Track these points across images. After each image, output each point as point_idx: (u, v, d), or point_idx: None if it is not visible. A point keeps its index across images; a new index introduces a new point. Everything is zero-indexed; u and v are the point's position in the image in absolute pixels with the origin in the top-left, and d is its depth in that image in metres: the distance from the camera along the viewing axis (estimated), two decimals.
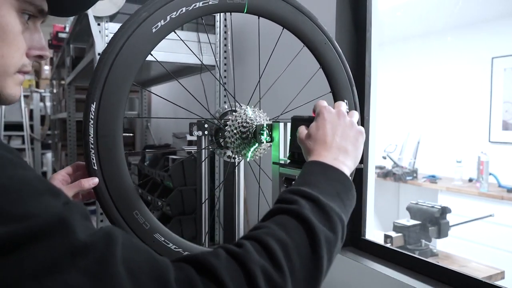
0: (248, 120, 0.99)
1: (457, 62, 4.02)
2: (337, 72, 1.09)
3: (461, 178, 3.87)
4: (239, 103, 1.07)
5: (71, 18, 2.42)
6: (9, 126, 6.36)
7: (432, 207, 2.01)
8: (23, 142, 6.35)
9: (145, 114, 3.05)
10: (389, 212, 4.51)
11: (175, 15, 0.93)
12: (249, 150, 1.01)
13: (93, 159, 0.84)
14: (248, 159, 1.04)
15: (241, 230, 1.24)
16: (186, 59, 1.77)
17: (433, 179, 4.06)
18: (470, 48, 3.94)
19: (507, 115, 3.80)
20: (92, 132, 0.84)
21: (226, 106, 1.16)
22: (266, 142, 0.97)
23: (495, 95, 3.85)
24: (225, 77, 1.82)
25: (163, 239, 0.87)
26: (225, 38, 1.80)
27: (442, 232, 2.01)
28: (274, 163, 0.91)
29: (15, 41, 0.61)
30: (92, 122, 0.84)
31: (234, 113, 1.03)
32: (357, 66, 1.39)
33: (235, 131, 1.00)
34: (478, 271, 1.77)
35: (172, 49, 1.73)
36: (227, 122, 1.02)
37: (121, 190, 0.87)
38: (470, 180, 3.85)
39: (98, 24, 1.55)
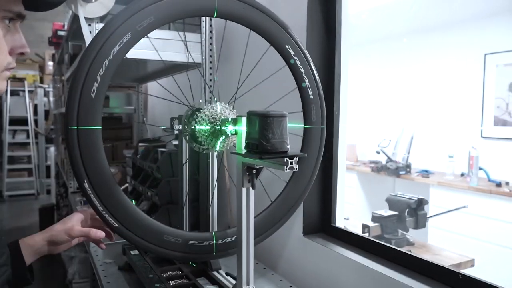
0: (214, 115, 1.10)
1: (450, 58, 4.08)
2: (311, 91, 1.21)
3: (453, 173, 3.95)
4: (216, 99, 1.17)
5: (68, 17, 2.53)
6: (14, 121, 6.51)
7: (409, 198, 2.10)
8: (28, 137, 6.50)
9: (141, 109, 3.16)
10: (384, 205, 4.61)
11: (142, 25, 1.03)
12: (217, 141, 1.12)
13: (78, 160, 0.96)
14: (217, 150, 1.14)
15: (215, 218, 1.35)
16: (174, 57, 1.87)
17: (425, 173, 4.14)
18: (463, 45, 4.00)
19: (498, 111, 3.87)
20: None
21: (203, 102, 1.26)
22: (231, 134, 1.07)
23: (487, 91, 3.91)
24: (210, 74, 1.92)
25: None
26: (211, 37, 1.90)
27: (419, 223, 2.10)
28: (232, 152, 1.01)
29: (0, 45, 0.72)
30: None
31: (203, 108, 1.13)
32: (327, 65, 1.48)
33: (204, 124, 1.11)
34: (449, 259, 1.87)
35: (162, 48, 1.83)
36: (198, 115, 1.13)
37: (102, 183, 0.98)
38: (462, 175, 3.93)
39: (89, 25, 1.66)
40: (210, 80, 1.91)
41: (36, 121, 6.57)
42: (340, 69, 1.47)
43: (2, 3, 0.71)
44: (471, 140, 3.94)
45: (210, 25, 1.89)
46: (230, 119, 1.06)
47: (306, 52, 1.22)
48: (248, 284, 1.08)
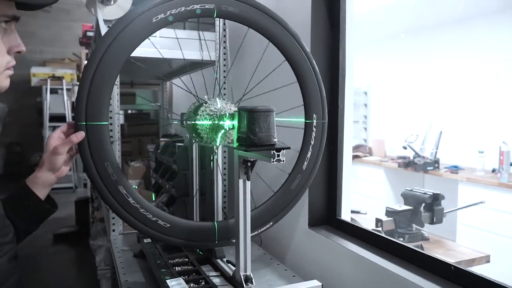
0: (213, 109, 1.16)
1: (481, 51, 3.95)
2: (310, 86, 1.24)
3: (483, 169, 3.83)
4: (222, 96, 1.23)
5: (94, 19, 2.67)
6: (53, 118, 6.86)
7: (425, 193, 2.09)
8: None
9: (166, 105, 3.28)
10: None
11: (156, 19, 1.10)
12: (217, 136, 1.17)
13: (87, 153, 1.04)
14: (218, 144, 1.20)
15: (219, 210, 1.41)
16: (190, 56, 1.95)
17: (454, 169, 4.04)
18: (495, 38, 3.87)
19: None
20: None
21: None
22: (229, 129, 1.12)
23: None
24: (224, 71, 1.98)
25: (125, 192, 1.06)
26: (224, 36, 1.96)
27: (436, 218, 2.09)
28: (225, 145, 1.07)
29: None
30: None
31: (205, 104, 1.19)
32: (332, 60, 1.51)
33: (205, 118, 1.17)
34: (462, 254, 1.85)
35: (177, 47, 1.91)
36: (200, 110, 1.19)
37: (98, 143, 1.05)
38: (494, 171, 3.81)
39: (108, 26, 1.76)
40: (224, 77, 1.98)
41: (73, 118, 6.88)
42: (344, 65, 1.50)
43: None
44: (502, 135, 3.81)
45: (224, 23, 1.95)
46: (227, 114, 1.12)
47: (305, 46, 1.26)
48: (245, 271, 1.14)
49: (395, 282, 1.15)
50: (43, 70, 6.93)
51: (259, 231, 1.27)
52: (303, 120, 1.31)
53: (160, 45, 1.89)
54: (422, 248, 1.82)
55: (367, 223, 2.19)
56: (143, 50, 1.75)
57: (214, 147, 1.34)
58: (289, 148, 0.94)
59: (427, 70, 4.52)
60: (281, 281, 1.35)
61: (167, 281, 1.16)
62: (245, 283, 1.12)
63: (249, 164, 1.07)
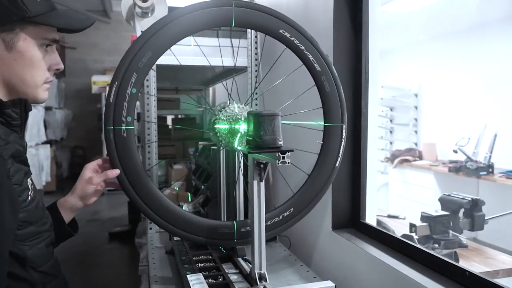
0: (228, 113, 1.22)
1: None
2: (329, 91, 1.27)
3: None
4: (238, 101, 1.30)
5: None
6: None
7: (463, 198, 2.02)
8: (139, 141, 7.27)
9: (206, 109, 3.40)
10: None
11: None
12: (235, 139, 1.23)
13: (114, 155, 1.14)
14: (236, 147, 1.26)
15: (241, 210, 1.46)
16: (224, 62, 2.03)
17: (511, 174, 3.81)
18: None
19: None
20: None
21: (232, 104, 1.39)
22: (244, 132, 1.18)
23: None
24: (256, 76, 2.04)
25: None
26: (256, 42, 2.03)
27: (476, 224, 2.01)
28: (235, 148, 1.13)
29: (39, 65, 0.93)
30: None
31: (224, 109, 1.26)
32: (355, 64, 1.52)
33: (223, 123, 1.24)
34: (501, 263, 1.77)
35: (211, 54, 2.01)
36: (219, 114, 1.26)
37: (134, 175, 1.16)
38: None
39: None
40: (256, 82, 2.04)
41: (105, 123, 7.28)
42: (368, 69, 1.50)
43: (40, 34, 0.91)
44: None
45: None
46: (242, 118, 1.17)
47: (322, 51, 1.28)
48: (260, 269, 1.18)
49: None
50: (103, 78, 7.39)
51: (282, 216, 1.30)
52: (323, 123, 1.33)
53: (193, 53, 1.99)
54: (456, 255, 1.75)
55: (402, 228, 2.14)
56: (180, 58, 1.85)
57: (238, 150, 1.39)
58: (292, 150, 0.97)
59: (481, 70, 4.30)
60: (301, 281, 1.38)
61: (188, 276, 1.23)
62: (259, 281, 1.17)
63: (262, 166, 1.12)
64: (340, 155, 1.31)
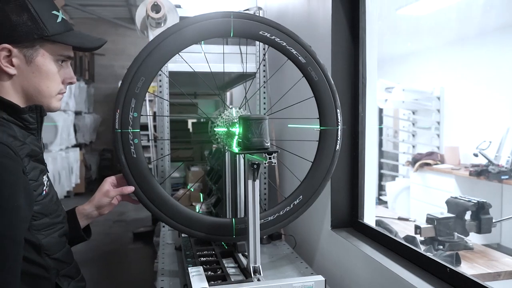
0: (224, 117, 1.30)
1: None
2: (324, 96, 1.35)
3: None
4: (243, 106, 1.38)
5: None
6: (143, 127, 7.53)
7: (469, 201, 2.02)
8: (148, 140, 7.46)
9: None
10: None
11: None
12: (232, 141, 1.32)
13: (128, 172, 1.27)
14: (228, 148, 1.34)
15: (241, 208, 1.54)
16: (232, 69, 2.13)
17: None
18: None
19: None
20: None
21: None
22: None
23: None
24: (264, 82, 2.13)
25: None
26: (264, 49, 2.11)
27: (483, 227, 2.01)
28: (227, 150, 1.21)
29: (54, 78, 1.05)
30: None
31: (223, 113, 1.35)
32: (352, 69, 1.58)
33: (222, 126, 1.32)
34: (504, 265, 1.78)
35: (221, 61, 2.11)
36: (217, 119, 1.35)
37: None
38: None
39: None
40: (264, 87, 2.12)
41: (155, 127, 7.51)
42: (365, 73, 1.56)
43: (56, 51, 1.03)
44: None
45: None
46: (237, 121, 1.26)
47: (317, 57, 1.35)
48: (255, 263, 1.26)
49: None
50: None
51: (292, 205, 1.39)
52: (319, 127, 1.40)
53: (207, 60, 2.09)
54: (457, 256, 1.77)
55: (410, 230, 2.16)
56: (193, 65, 1.95)
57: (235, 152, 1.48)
58: (277, 151, 1.05)
59: (505, 73, 4.23)
60: (296, 277, 1.44)
61: (189, 268, 1.32)
62: (253, 274, 1.25)
63: (255, 166, 1.20)
64: (339, 139, 1.37)
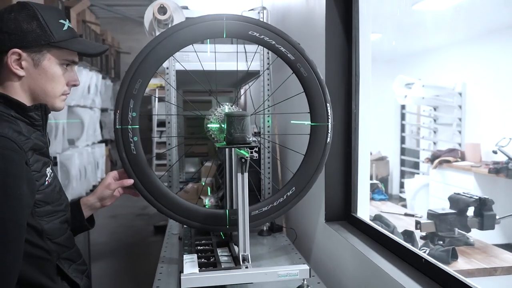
0: (217, 114, 1.38)
1: None
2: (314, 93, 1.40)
3: None
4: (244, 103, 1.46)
5: None
6: (161, 123, 7.74)
7: (470, 197, 2.03)
8: (160, 136, 7.69)
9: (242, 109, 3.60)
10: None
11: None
12: (223, 136, 1.39)
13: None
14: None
15: (240, 201, 1.62)
16: (239, 67, 2.20)
17: None
18: None
19: None
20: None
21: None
22: None
23: None
24: (268, 79, 2.19)
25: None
26: None
27: (485, 224, 2.01)
28: (216, 144, 1.29)
29: (59, 80, 1.15)
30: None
31: (216, 109, 1.42)
32: (346, 67, 1.62)
33: (213, 121, 1.40)
34: (503, 261, 1.79)
35: (227, 59, 2.19)
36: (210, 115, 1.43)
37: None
38: None
39: None
40: (268, 84, 2.19)
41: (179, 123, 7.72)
42: (358, 70, 1.60)
43: (62, 55, 1.13)
44: None
45: None
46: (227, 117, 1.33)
47: (305, 53, 1.41)
48: (244, 251, 1.34)
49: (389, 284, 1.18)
50: (153, 81, 7.83)
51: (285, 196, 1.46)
52: (310, 123, 1.46)
53: (210, 58, 2.18)
54: (454, 251, 1.78)
55: (412, 225, 2.18)
56: (197, 64, 2.04)
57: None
58: (257, 146, 1.12)
59: None
60: None
61: (184, 255, 1.41)
62: (242, 262, 1.32)
63: (243, 161, 1.27)
64: (329, 132, 1.42)
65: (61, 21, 1.13)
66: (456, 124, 5.37)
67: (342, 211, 1.67)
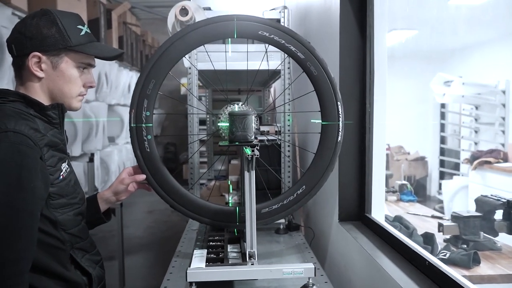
0: (227, 113, 1.41)
1: None
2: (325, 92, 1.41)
3: None
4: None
5: None
6: (200, 122, 7.90)
7: (498, 200, 1.94)
8: (208, 136, 7.83)
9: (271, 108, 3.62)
10: None
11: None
12: None
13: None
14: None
15: (247, 199, 1.64)
16: (257, 66, 2.22)
17: None
18: None
19: None
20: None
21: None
22: None
23: None
24: (289, 78, 2.20)
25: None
26: None
27: None
28: (219, 143, 1.32)
29: (76, 82, 1.22)
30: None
31: (226, 108, 1.45)
32: (361, 65, 1.60)
33: (223, 120, 1.43)
34: None
35: (250, 58, 2.21)
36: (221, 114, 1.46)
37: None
38: None
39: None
40: (289, 83, 2.19)
41: (213, 121, 7.85)
42: (373, 69, 1.57)
43: (78, 59, 1.20)
44: None
45: None
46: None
47: (316, 52, 1.41)
48: (251, 248, 1.36)
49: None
50: (184, 80, 8.02)
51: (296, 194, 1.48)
52: (321, 121, 1.46)
53: (232, 58, 2.21)
54: (476, 255, 1.71)
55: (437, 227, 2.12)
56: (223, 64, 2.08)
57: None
58: (258, 145, 1.14)
59: None
60: None
61: (195, 250, 1.46)
62: (249, 258, 1.35)
63: (249, 159, 1.29)
64: (340, 131, 1.42)
65: (79, 26, 1.19)
66: (499, 123, 5.12)
67: (356, 211, 1.66)
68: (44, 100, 1.19)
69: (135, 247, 4.70)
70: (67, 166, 1.22)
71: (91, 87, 1.27)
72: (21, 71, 1.17)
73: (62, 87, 1.20)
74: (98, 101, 5.77)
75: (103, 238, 4.98)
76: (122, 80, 6.62)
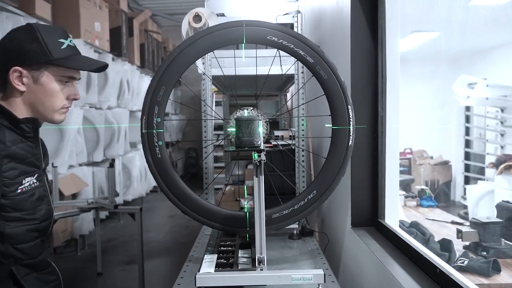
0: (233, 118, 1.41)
1: None
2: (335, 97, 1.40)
3: None
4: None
5: None
6: (218, 126, 7.94)
7: None
8: (223, 140, 7.89)
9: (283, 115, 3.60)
10: None
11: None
12: None
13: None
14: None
15: (256, 204, 1.64)
16: (272, 71, 2.22)
17: None
18: None
19: None
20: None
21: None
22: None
23: None
24: (302, 83, 2.19)
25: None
26: None
27: None
28: (224, 149, 1.32)
29: (57, 95, 1.21)
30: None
31: (235, 113, 1.46)
32: (373, 69, 1.58)
33: (232, 126, 1.44)
34: None
35: (262, 63, 2.22)
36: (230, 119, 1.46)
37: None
38: None
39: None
40: (300, 88, 2.18)
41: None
42: (385, 72, 1.55)
43: (59, 72, 1.19)
44: None
45: None
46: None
47: (325, 56, 1.40)
48: (261, 254, 1.35)
49: None
50: (211, 87, 8.09)
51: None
52: (331, 126, 1.45)
53: (248, 64, 2.22)
54: (496, 263, 1.65)
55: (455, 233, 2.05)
56: (232, 69, 2.09)
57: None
58: (263, 150, 1.14)
59: None
60: None
61: (205, 255, 1.46)
62: (258, 264, 1.34)
63: (257, 164, 1.29)
64: (351, 135, 1.40)
65: (61, 40, 1.19)
66: None
67: (369, 216, 1.63)
68: (26, 113, 1.20)
69: (156, 251, 4.75)
70: (35, 181, 1.21)
71: (75, 99, 1.26)
72: (5, 84, 1.18)
73: (44, 101, 1.20)
74: (120, 108, 5.89)
75: (124, 242, 5.07)
76: (144, 86, 6.74)
